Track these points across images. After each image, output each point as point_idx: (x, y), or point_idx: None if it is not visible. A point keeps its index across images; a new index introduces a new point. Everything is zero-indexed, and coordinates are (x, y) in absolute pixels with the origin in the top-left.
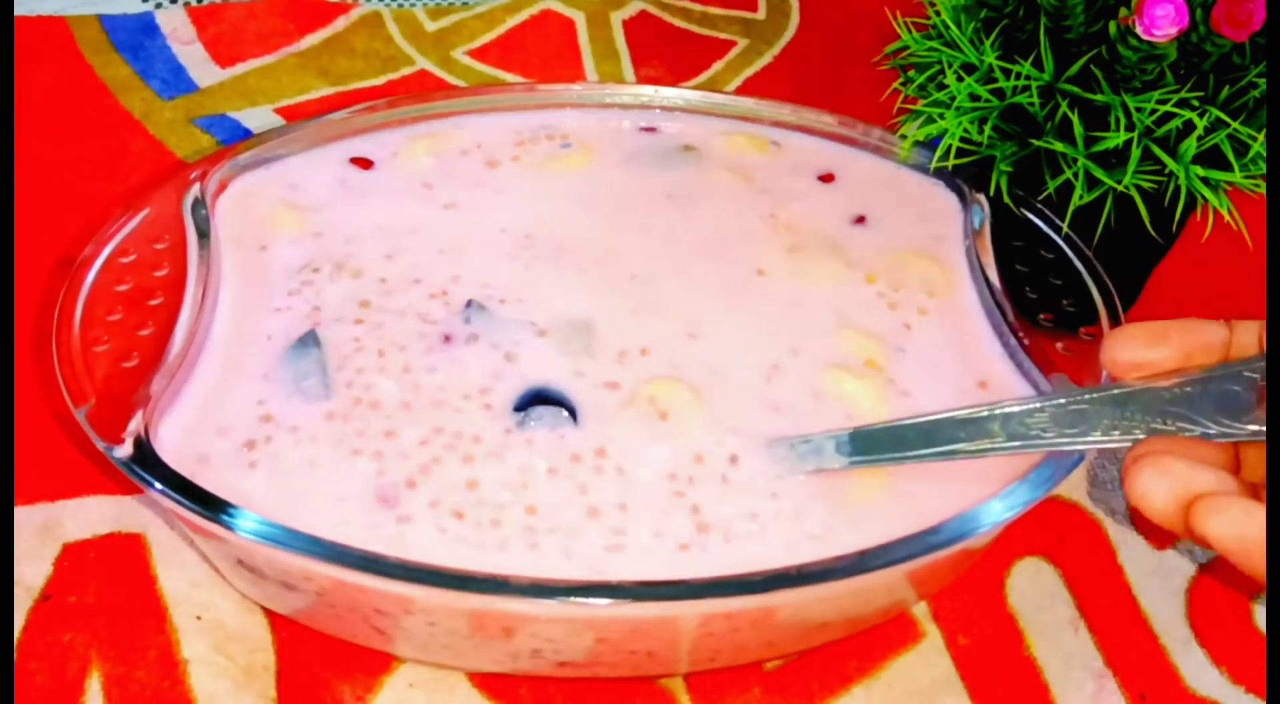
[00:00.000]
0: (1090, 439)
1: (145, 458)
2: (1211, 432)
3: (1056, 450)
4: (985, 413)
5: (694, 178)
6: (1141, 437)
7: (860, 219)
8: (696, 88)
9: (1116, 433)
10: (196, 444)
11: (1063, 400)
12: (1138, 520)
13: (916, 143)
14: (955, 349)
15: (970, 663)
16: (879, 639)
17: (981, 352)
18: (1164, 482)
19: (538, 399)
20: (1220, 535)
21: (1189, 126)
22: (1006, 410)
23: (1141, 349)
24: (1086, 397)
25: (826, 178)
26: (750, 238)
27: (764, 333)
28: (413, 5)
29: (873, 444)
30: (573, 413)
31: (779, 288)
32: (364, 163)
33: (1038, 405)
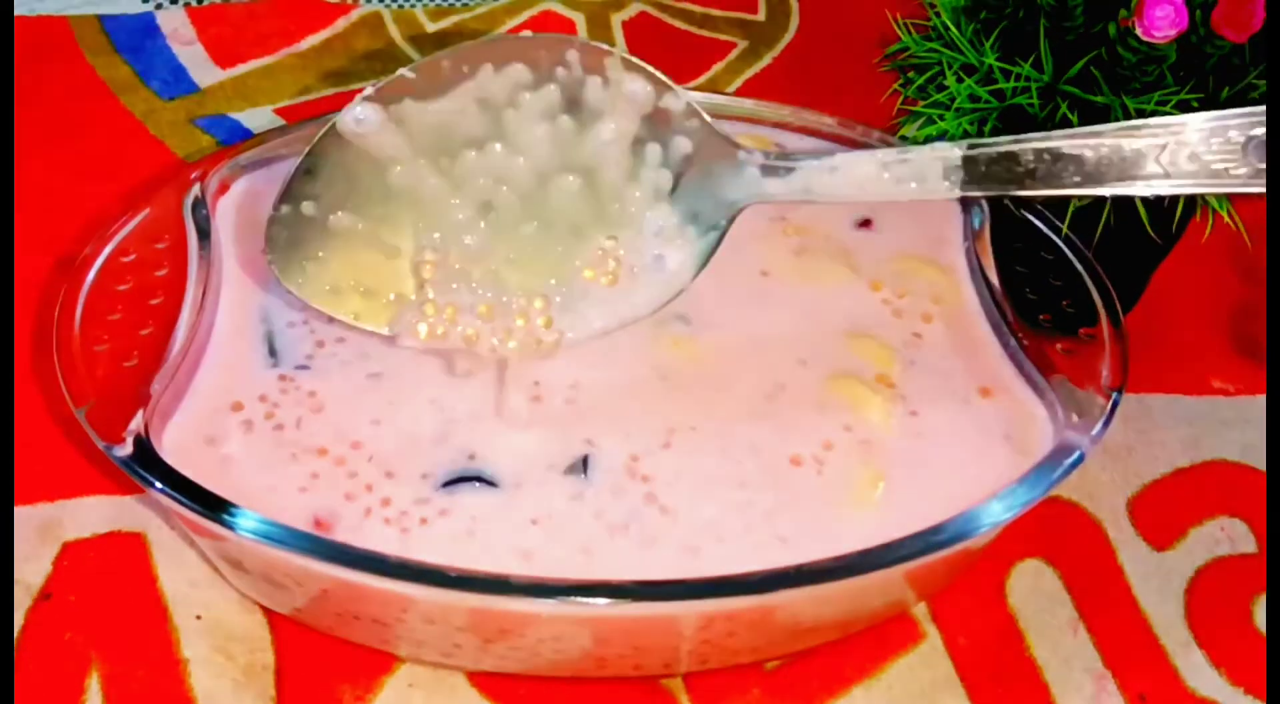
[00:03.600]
0: None
1: (145, 457)
2: None
3: (1246, 194)
4: (1146, 141)
5: None
6: None
7: (866, 222)
8: (696, 89)
9: None
10: (197, 443)
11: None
12: (1137, 521)
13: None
14: (959, 356)
15: (970, 664)
16: (879, 640)
17: (983, 355)
18: None
19: None
20: None
21: None
22: (1178, 135)
23: None
24: None
25: None
26: (756, 238)
27: (772, 336)
28: (413, 6)
29: (993, 171)
30: None
31: (784, 290)
32: None
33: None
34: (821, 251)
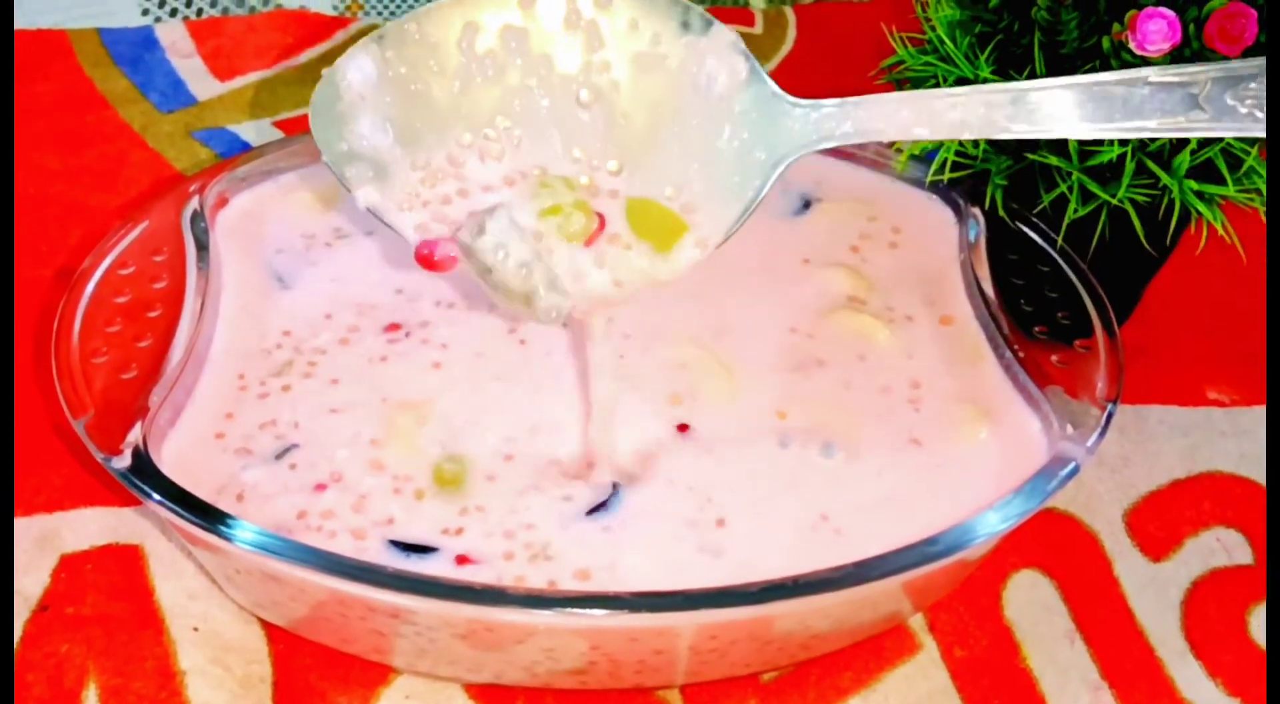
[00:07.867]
0: None
1: (143, 469)
2: None
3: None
4: (1182, 77)
5: None
6: None
7: (864, 236)
8: None
9: None
10: (195, 455)
11: None
12: (1133, 532)
13: (912, 156)
14: (954, 368)
15: (966, 675)
16: (875, 651)
17: (978, 367)
18: None
19: None
20: None
21: (1182, 141)
22: (1212, 73)
23: None
24: None
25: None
26: (762, 248)
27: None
28: None
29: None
30: None
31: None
32: None
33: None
34: (825, 263)
